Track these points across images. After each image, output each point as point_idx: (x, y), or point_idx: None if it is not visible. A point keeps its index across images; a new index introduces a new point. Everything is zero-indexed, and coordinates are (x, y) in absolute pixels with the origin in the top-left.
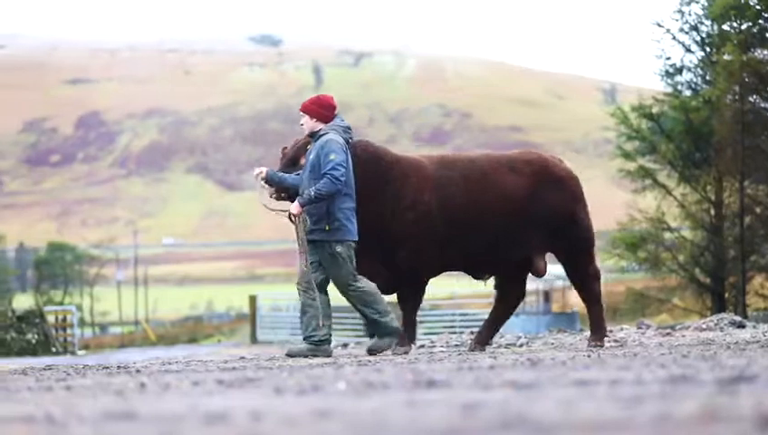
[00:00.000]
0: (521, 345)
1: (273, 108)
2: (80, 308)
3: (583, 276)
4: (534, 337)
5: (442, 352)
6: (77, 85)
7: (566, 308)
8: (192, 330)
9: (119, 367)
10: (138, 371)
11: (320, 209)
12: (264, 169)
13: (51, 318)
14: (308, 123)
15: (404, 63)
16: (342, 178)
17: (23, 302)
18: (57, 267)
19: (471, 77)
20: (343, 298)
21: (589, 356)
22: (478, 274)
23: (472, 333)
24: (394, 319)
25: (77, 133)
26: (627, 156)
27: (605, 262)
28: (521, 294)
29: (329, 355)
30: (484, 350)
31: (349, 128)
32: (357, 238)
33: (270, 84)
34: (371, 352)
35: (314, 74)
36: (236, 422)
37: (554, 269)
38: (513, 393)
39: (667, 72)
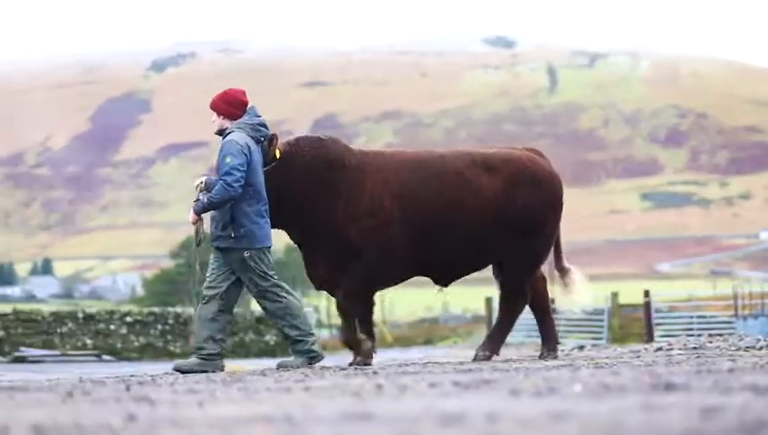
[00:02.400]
0: (760, 348)
1: (508, 110)
2: (317, 310)
3: (516, 292)
4: None
5: (680, 354)
6: (313, 88)
7: None
8: (428, 331)
9: (356, 368)
10: (375, 372)
11: (224, 215)
12: (204, 178)
13: None
14: (217, 121)
15: (639, 64)
16: (237, 184)
17: None
18: (294, 269)
19: (707, 77)
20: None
21: None
22: (441, 279)
23: (710, 335)
24: (316, 341)
25: None
26: None
27: None
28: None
29: (220, 369)
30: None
31: (262, 124)
32: (268, 244)
33: (504, 86)
34: (280, 367)
35: (548, 76)
36: (472, 424)
37: None
38: (754, 397)
39: None
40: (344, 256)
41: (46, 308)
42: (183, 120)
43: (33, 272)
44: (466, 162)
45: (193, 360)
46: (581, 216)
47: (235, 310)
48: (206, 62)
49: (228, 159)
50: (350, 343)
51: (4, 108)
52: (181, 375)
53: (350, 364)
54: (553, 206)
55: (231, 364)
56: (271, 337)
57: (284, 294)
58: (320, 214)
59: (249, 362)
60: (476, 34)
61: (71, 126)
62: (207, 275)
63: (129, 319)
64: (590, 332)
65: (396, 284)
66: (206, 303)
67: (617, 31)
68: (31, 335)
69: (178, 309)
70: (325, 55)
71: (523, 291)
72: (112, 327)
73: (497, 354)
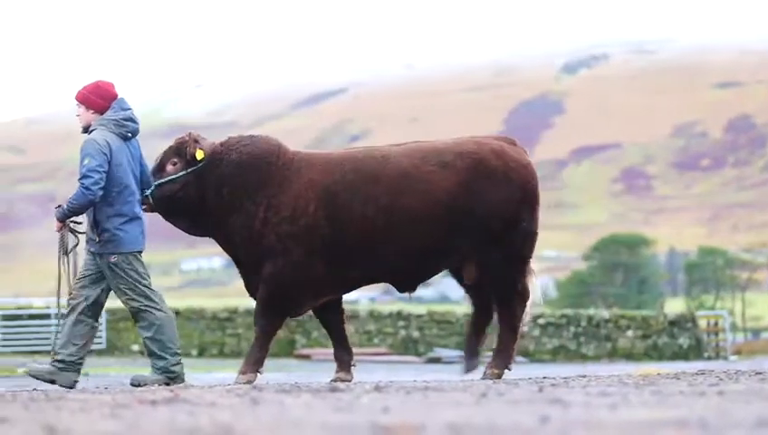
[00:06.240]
0: None
1: None
2: (731, 313)
3: (508, 294)
4: None
5: None
6: (727, 89)
7: None
8: None
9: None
10: None
11: (90, 218)
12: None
13: (702, 323)
14: (83, 115)
15: None
16: (96, 187)
17: (674, 306)
18: (708, 271)
19: None
20: None
21: None
22: (400, 286)
23: None
24: (179, 363)
25: (727, 137)
26: None
27: None
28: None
29: (69, 384)
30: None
31: (128, 119)
32: (137, 248)
33: None
34: (134, 382)
35: None
36: None
37: None
38: None
39: None
40: (255, 265)
41: (460, 310)
42: (596, 122)
43: None
44: (415, 160)
45: (45, 366)
46: None
47: (648, 313)
48: (618, 64)
49: (86, 161)
50: (249, 356)
51: (423, 110)
52: (590, 378)
53: (235, 383)
54: (524, 197)
55: (643, 367)
56: (684, 340)
57: (153, 306)
58: (240, 217)
59: (662, 365)
60: None
61: (485, 127)
62: (77, 278)
63: (541, 321)
64: None
65: (326, 296)
66: (71, 308)
67: None
68: (444, 336)
69: (591, 311)
70: (739, 54)
71: (518, 290)
72: (525, 329)
73: (509, 369)
